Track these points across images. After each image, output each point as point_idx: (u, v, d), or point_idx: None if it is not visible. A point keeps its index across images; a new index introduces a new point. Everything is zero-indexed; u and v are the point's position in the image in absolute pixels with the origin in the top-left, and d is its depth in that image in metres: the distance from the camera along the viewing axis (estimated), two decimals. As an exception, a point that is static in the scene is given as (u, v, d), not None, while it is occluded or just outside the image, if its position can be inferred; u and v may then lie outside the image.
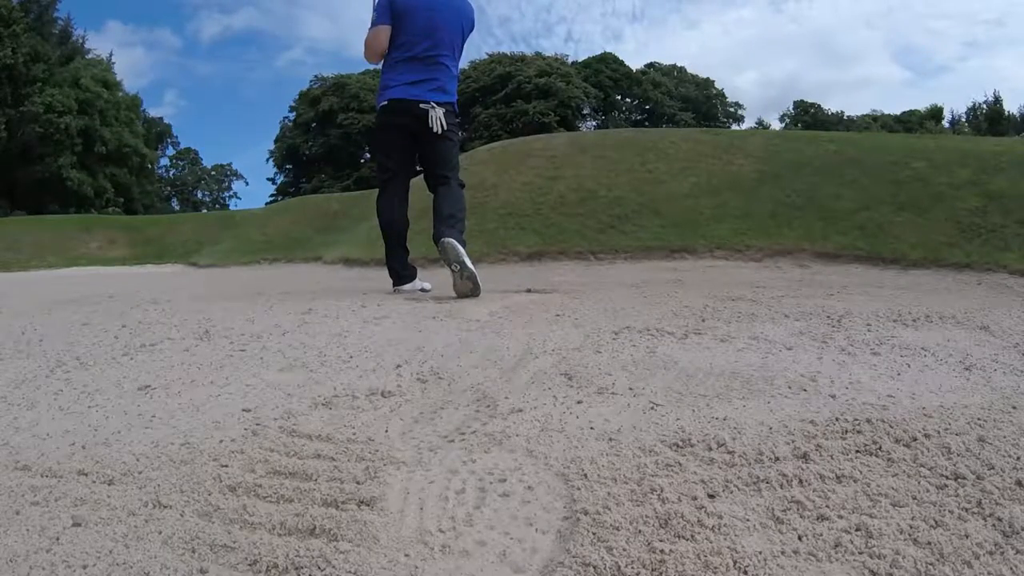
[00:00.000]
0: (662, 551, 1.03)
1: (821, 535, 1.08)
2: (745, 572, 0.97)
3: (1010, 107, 58.87)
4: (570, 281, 8.11)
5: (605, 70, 66.10)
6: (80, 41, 51.20)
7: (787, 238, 9.67)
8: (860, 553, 1.02)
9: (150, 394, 2.26)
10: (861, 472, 1.34)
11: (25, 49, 41.20)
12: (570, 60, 68.78)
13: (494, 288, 7.09)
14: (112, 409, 2.07)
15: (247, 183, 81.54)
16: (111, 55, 54.78)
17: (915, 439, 1.52)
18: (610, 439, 1.62)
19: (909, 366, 2.44)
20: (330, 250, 14.99)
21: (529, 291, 6.69)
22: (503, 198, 12.11)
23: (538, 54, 64.50)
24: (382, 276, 10.12)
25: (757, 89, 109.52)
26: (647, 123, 67.31)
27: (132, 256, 22.06)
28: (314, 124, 62.75)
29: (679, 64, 72.52)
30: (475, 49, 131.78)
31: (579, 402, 2.02)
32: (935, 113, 57.12)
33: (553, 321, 3.90)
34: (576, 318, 4.03)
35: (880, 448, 1.47)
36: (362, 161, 63.42)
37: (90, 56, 50.86)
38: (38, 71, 42.45)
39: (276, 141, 66.69)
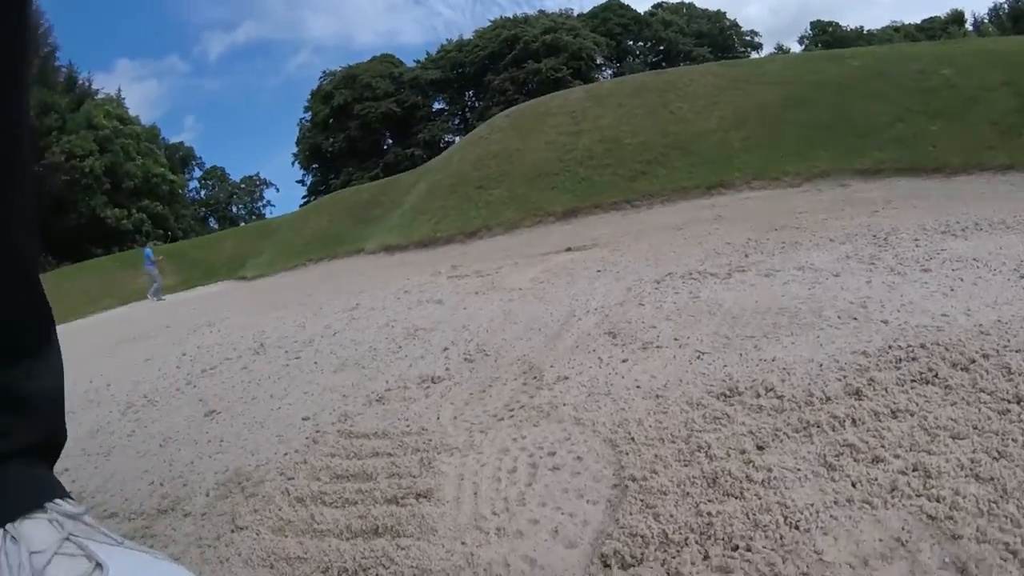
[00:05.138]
0: (709, 513, 1.02)
1: (876, 479, 1.04)
2: (796, 527, 0.94)
3: None
4: (608, 234, 8.01)
5: (613, 17, 64.48)
6: (87, 83, 51.65)
7: (823, 160, 9.43)
8: (918, 496, 0.98)
9: (215, 419, 2.31)
10: (918, 404, 1.28)
11: (33, 103, 41.54)
12: (575, 13, 67.38)
13: (534, 252, 7.12)
14: (183, 441, 2.12)
15: (278, 189, 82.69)
16: (119, 91, 55.66)
17: (973, 361, 1.43)
18: (657, 396, 1.58)
19: (962, 280, 2.31)
20: (370, 240, 15.28)
21: (569, 250, 6.72)
22: (529, 160, 12.05)
23: (542, 12, 63.34)
24: (423, 258, 10.33)
25: (769, 16, 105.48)
26: (664, 64, 65.56)
27: (182, 282, 22.61)
28: (331, 120, 62.80)
29: (687, 0, 70.16)
30: (479, 17, 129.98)
31: (624, 360, 1.99)
32: (957, 17, 54.43)
33: (595, 278, 3.89)
34: (617, 271, 4.01)
35: (936, 375, 1.39)
36: (385, 147, 63.47)
37: (100, 96, 51.54)
38: (51, 121, 42.81)
39: (298, 143, 67.01)
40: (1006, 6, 53.86)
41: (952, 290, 2.23)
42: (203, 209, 78.86)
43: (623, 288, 3.34)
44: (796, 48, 65.18)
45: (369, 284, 6.82)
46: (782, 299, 2.47)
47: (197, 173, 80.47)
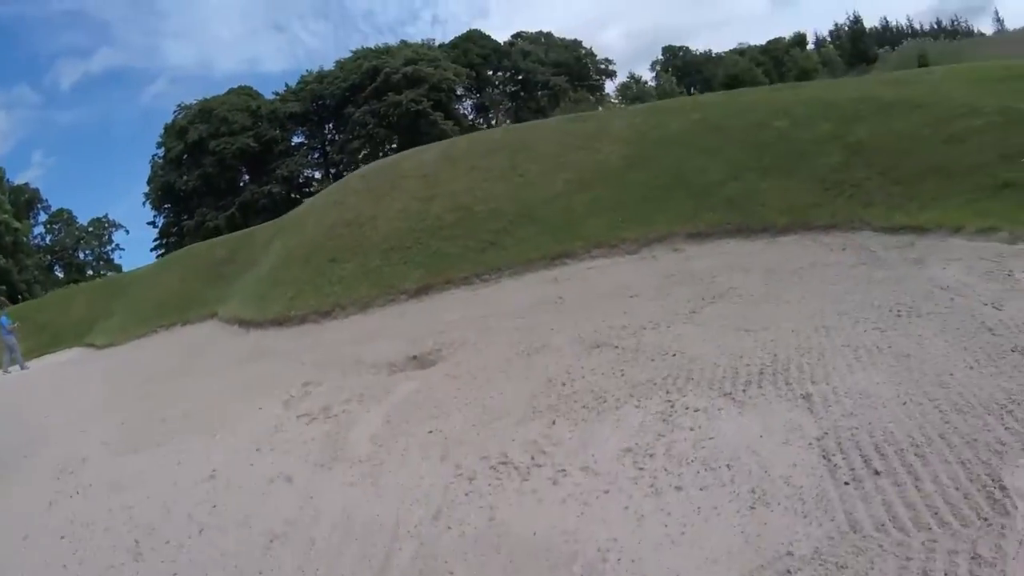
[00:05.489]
0: None
1: None
2: None
3: (871, 22, 62.09)
4: (457, 322, 8.17)
5: (473, 48, 65.49)
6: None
7: (660, 223, 9.87)
8: None
9: None
10: None
11: None
12: (437, 43, 67.92)
13: (383, 358, 7.18)
14: None
15: (128, 232, 77.08)
16: (-52, 130, 50.68)
17: None
18: None
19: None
20: (223, 304, 14.67)
21: (415, 358, 6.86)
22: (383, 230, 11.96)
23: (403, 43, 63.35)
24: (278, 342, 10.12)
25: (625, 42, 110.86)
26: (523, 93, 67.35)
27: (28, 350, 20.09)
28: (185, 156, 59.75)
29: (545, 30, 72.71)
30: (341, 47, 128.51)
31: None
32: (799, 40, 59.08)
33: (424, 458, 4.03)
34: (446, 437, 4.13)
35: None
36: (242, 184, 61.04)
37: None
38: None
39: (149, 182, 63.28)
40: (846, 27, 58.92)
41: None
42: (48, 256, 72.97)
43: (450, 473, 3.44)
44: (648, 74, 68.65)
45: (221, 410, 6.68)
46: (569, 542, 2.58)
47: (43, 217, 74.36)
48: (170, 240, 64.18)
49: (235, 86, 65.13)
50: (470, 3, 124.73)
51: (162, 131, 64.04)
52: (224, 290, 16.29)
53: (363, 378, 6.81)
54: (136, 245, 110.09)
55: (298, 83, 64.00)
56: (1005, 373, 3.72)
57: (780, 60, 55.08)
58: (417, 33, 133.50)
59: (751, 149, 10.81)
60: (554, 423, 4.46)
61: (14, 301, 47.38)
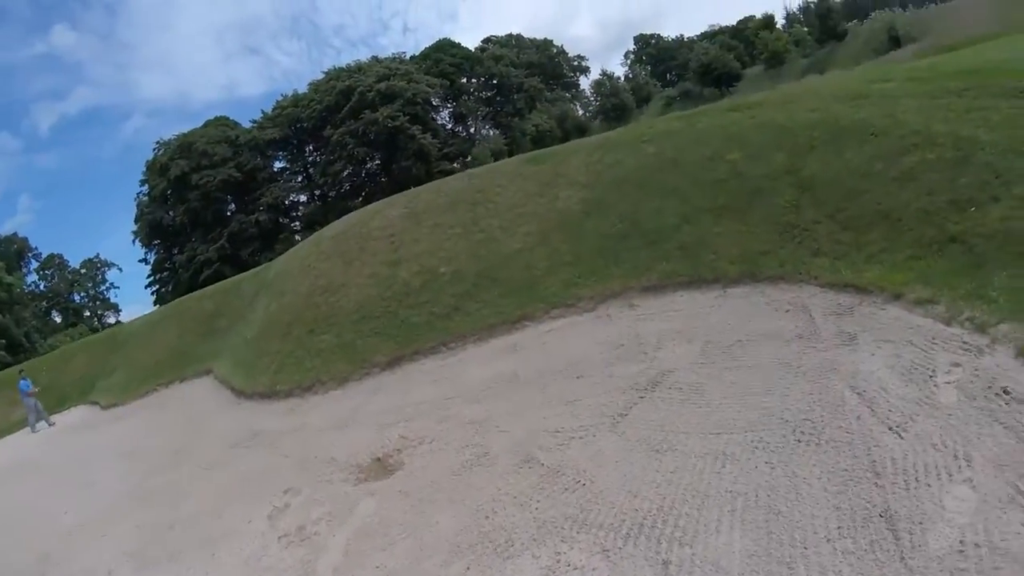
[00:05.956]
0: None
1: None
2: None
3: None
4: (422, 407, 8.69)
5: (445, 57, 66.06)
6: None
7: (615, 277, 10.21)
8: None
9: None
10: None
11: None
12: (408, 55, 68.31)
13: (356, 440, 7.86)
14: None
15: (121, 269, 77.56)
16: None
17: None
18: None
19: None
20: (217, 360, 15.84)
21: (378, 461, 7.39)
22: (355, 298, 12.41)
23: (375, 59, 63.78)
24: (268, 417, 10.86)
25: (595, 33, 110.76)
26: (499, 98, 67.87)
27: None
28: (170, 193, 60.28)
29: (515, 32, 73.13)
30: (315, 65, 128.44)
31: None
32: (768, 23, 59.01)
33: None
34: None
35: None
36: (229, 214, 61.45)
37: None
38: None
39: (136, 220, 63.76)
40: (813, 5, 58.43)
41: None
42: (44, 303, 73.38)
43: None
44: (620, 70, 68.75)
45: (218, 515, 7.49)
46: None
47: (34, 264, 74.88)
48: (163, 275, 64.77)
49: (212, 117, 65.75)
50: (439, 9, 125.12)
51: (144, 168, 64.44)
52: (217, 344, 17.43)
53: (334, 487, 7.44)
54: (131, 280, 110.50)
55: (274, 108, 64.43)
56: (861, 549, 3.89)
57: (752, 43, 55.17)
58: (389, 44, 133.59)
59: (705, 187, 10.96)
60: (468, 569, 5.00)
61: (14, 354, 47.82)
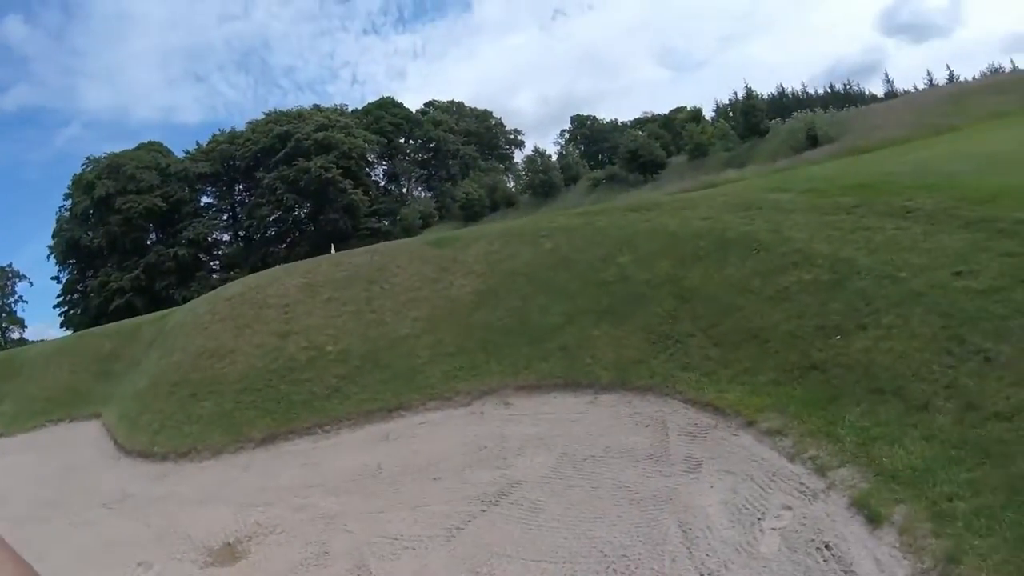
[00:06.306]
0: None
1: None
2: None
3: (768, 88, 65.57)
4: (282, 492, 8.88)
5: (386, 115, 66.90)
6: None
7: (494, 374, 10.52)
8: None
9: None
10: None
11: None
12: (351, 108, 69.06)
13: (214, 519, 8.33)
14: None
15: (32, 283, 73.57)
16: None
17: None
18: None
19: None
20: (108, 405, 15.83)
21: (229, 545, 7.57)
22: (240, 367, 12.53)
23: (316, 107, 64.24)
24: (141, 480, 10.85)
25: (535, 107, 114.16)
26: (434, 162, 69.13)
27: None
28: (92, 212, 58.63)
29: (457, 99, 74.79)
30: (260, 102, 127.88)
31: None
32: (695, 116, 62.03)
33: None
34: None
35: None
36: (149, 243, 59.86)
37: None
38: None
39: (54, 236, 61.43)
40: (739, 100, 61.34)
41: None
42: (-54, 308, 68.93)
43: None
44: (553, 148, 70.58)
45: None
46: None
47: (-58, 264, 70.42)
48: (74, 297, 62.27)
49: (145, 141, 64.48)
50: (388, 66, 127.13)
51: (70, 183, 62.43)
52: (110, 388, 17.32)
53: (183, 567, 7.63)
54: (40, 296, 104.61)
55: (209, 142, 63.80)
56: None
57: (679, 133, 57.89)
58: (336, 92, 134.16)
59: (592, 288, 11.34)
60: None
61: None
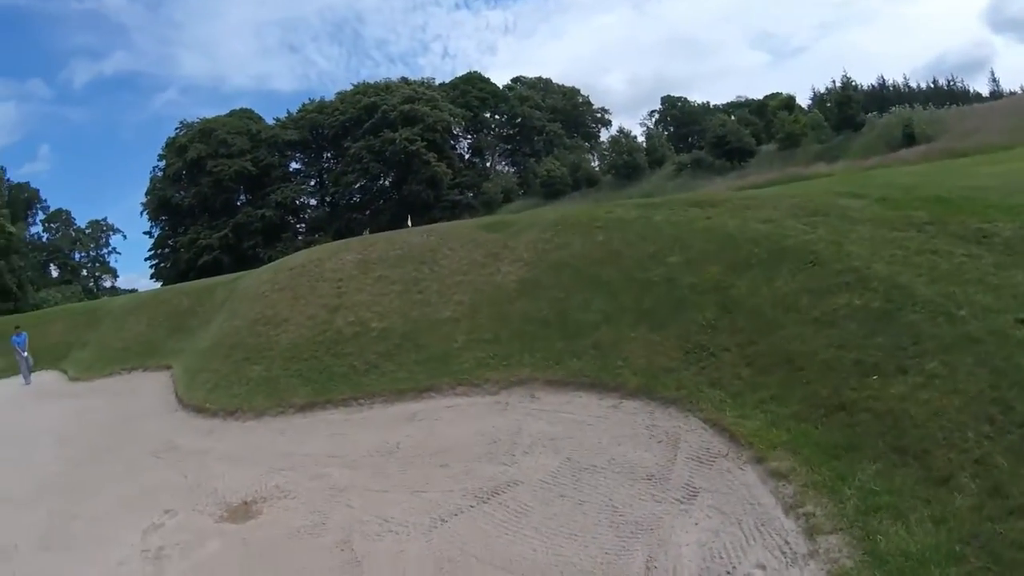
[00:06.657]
0: None
1: None
2: None
3: (868, 79, 62.33)
4: (304, 460, 9.46)
5: (472, 90, 67.40)
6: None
7: (525, 366, 10.62)
8: None
9: None
10: None
11: None
12: (439, 82, 69.72)
13: (240, 478, 9.24)
14: None
15: (126, 236, 78.69)
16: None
17: None
18: None
19: None
20: (177, 358, 16.92)
21: (245, 503, 8.11)
22: (291, 336, 13.21)
23: (404, 80, 65.16)
24: (189, 433, 11.81)
25: (625, 87, 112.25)
26: (519, 137, 69.27)
27: (9, 365, 22.99)
28: (184, 173, 61.68)
29: (544, 76, 74.47)
30: (352, 73, 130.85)
31: None
32: (788, 103, 59.57)
33: None
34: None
35: None
36: (238, 204, 62.60)
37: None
38: None
39: (147, 194, 65.06)
40: (837, 87, 58.69)
41: None
42: (43, 255, 74.36)
43: None
44: (637, 129, 69.63)
45: (113, 519, 8.49)
46: None
47: (41, 216, 76.08)
48: (164, 252, 65.86)
49: (238, 108, 66.99)
50: (479, 40, 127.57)
51: (164, 145, 65.68)
52: (183, 342, 18.58)
53: (201, 519, 8.13)
54: (132, 251, 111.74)
55: (299, 110, 65.79)
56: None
57: (771, 121, 55.90)
58: (427, 64, 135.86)
59: (636, 287, 11.15)
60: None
61: (3, 300, 48.59)
